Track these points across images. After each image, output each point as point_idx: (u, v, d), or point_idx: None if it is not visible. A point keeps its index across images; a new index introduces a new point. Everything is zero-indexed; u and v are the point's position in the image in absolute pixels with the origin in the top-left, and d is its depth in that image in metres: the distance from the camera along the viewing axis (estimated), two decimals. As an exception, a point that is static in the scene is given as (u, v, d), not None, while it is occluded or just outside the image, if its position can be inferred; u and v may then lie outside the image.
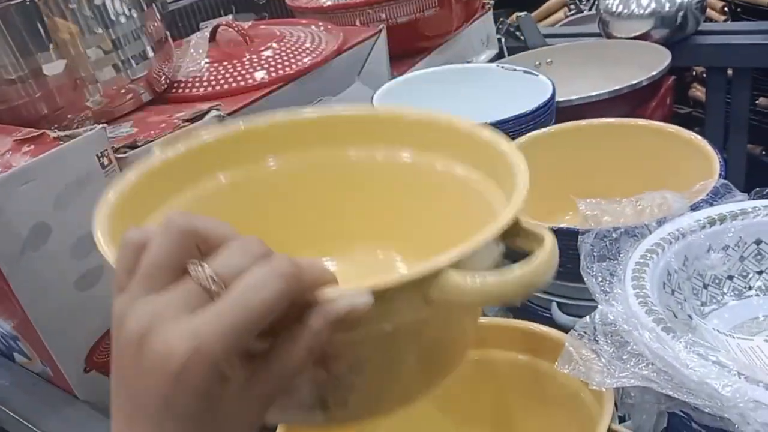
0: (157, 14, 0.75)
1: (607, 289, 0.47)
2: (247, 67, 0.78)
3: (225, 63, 0.79)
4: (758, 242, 0.51)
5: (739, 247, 0.51)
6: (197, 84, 0.77)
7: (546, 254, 0.31)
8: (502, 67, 0.82)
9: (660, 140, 0.63)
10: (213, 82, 0.77)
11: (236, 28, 0.84)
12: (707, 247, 0.51)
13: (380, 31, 0.89)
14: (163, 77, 0.76)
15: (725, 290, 0.51)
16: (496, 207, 0.39)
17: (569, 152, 0.66)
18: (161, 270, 0.25)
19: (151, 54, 0.73)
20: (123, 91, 0.71)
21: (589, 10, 1.47)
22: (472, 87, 0.82)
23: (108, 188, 0.36)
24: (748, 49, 1.01)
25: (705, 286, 0.51)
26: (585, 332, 0.44)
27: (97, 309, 0.56)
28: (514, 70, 0.81)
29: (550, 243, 0.32)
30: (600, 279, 0.48)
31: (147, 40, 0.72)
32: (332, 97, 0.86)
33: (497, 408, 0.51)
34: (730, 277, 0.51)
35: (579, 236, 0.51)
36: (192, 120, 0.64)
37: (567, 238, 0.54)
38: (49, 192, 0.51)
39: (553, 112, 0.73)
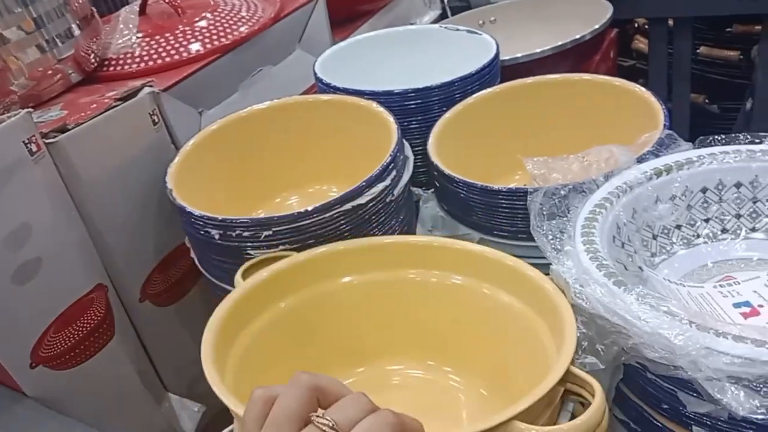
0: (81, -12, 0.71)
1: (558, 247, 0.46)
2: (180, 39, 0.75)
3: (157, 37, 0.76)
4: (704, 190, 0.51)
5: (685, 196, 0.51)
6: (129, 60, 0.74)
7: (598, 402, 0.36)
8: (446, 27, 0.80)
9: (604, 94, 0.63)
10: (146, 58, 0.73)
11: (167, 0, 0.80)
12: (655, 198, 0.51)
13: (318, -5, 0.87)
14: (92, 55, 0.72)
15: (674, 240, 0.52)
16: (539, 334, 0.44)
17: (516, 111, 0.66)
18: (290, 419, 0.30)
19: (77, 32, 0.69)
20: (50, 72, 0.67)
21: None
22: (416, 49, 0.80)
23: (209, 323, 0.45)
24: (687, -1, 1.02)
25: (654, 237, 0.51)
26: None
27: (37, 303, 0.53)
28: (458, 30, 0.79)
29: (600, 392, 0.36)
30: (551, 237, 0.47)
31: (71, 18, 0.68)
32: (272, 66, 0.83)
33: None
34: (678, 227, 0.52)
35: (528, 195, 0.51)
36: (124, 99, 0.61)
37: (516, 198, 0.54)
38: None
39: (497, 71, 0.72)
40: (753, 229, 0.51)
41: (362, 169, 0.54)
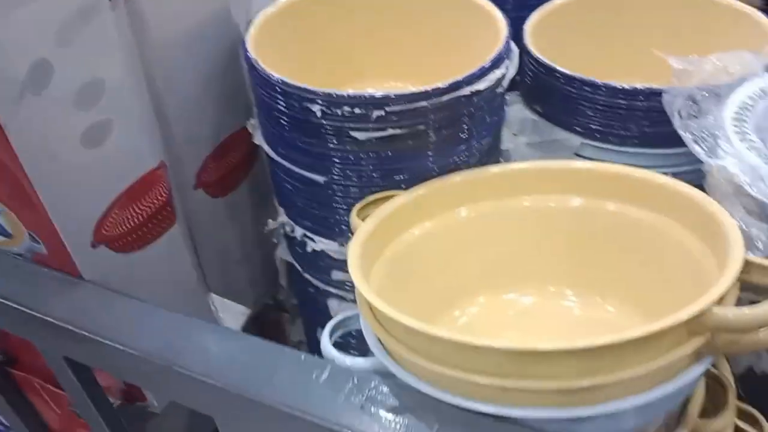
0: None
1: (710, 148, 0.44)
2: None
3: None
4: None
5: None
6: None
7: None
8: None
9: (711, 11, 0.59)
10: None
11: None
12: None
13: None
14: None
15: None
16: (686, 244, 0.42)
17: (609, 16, 0.62)
18: None
19: None
20: None
21: None
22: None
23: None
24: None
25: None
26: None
27: (104, 172, 0.46)
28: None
29: None
30: (701, 138, 0.44)
31: None
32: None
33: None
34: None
35: (666, 96, 0.47)
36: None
37: (643, 99, 0.51)
38: (50, 22, 0.40)
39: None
40: None
41: (452, 68, 0.49)
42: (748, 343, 0.34)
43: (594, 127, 0.54)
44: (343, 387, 0.38)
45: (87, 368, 0.48)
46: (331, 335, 0.43)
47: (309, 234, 0.56)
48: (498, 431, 0.34)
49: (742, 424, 0.44)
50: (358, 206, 0.48)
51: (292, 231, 0.58)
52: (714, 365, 0.44)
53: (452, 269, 0.49)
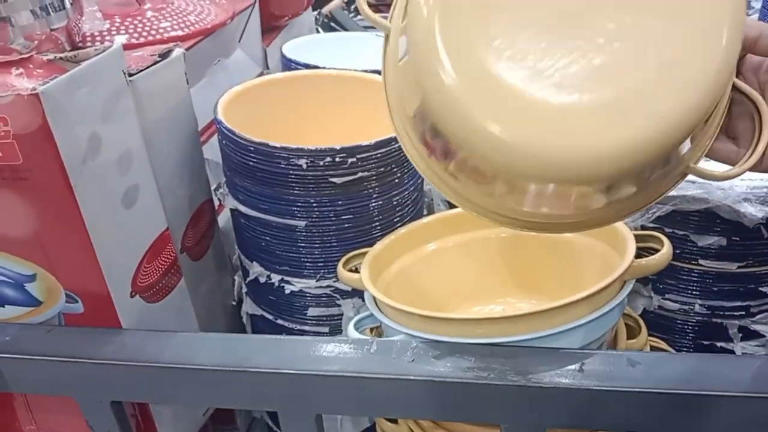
0: (71, -39, 0.70)
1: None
2: (155, 22, 0.78)
3: (130, 18, 0.77)
4: None
5: None
6: (108, 38, 0.74)
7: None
8: (377, 35, 0.95)
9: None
10: (127, 36, 0.75)
11: (125, -12, 0.82)
12: None
13: (255, 2, 0.95)
14: (77, 30, 0.71)
15: None
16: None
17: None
18: None
19: (68, 4, 0.68)
20: (45, 38, 0.66)
21: None
22: (360, 51, 0.93)
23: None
24: None
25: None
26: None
27: (136, 230, 0.53)
28: (388, 36, 0.94)
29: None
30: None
31: (64, -12, 0.68)
32: (225, 59, 0.89)
33: (530, 273, 0.64)
34: None
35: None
36: (162, 56, 0.64)
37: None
38: (98, 101, 0.49)
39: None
40: None
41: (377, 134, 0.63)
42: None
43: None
44: (390, 350, 0.48)
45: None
46: (356, 328, 0.54)
47: (287, 278, 0.66)
48: (493, 351, 0.47)
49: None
50: (343, 260, 0.61)
51: (269, 279, 0.67)
52: (625, 313, 0.61)
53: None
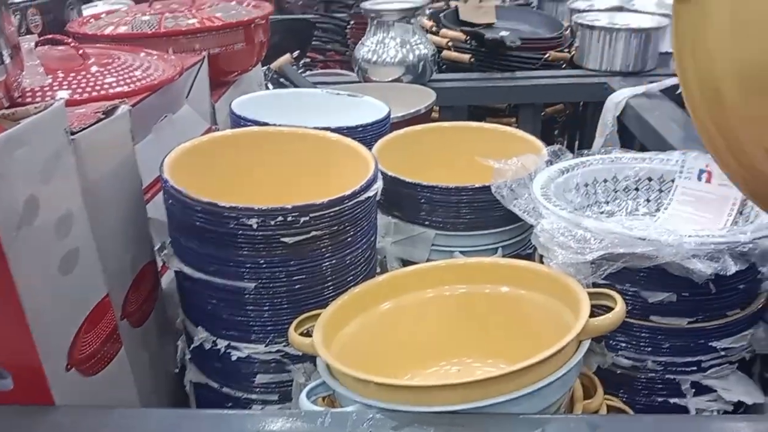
0: (12, 18, 0.68)
1: (531, 215, 0.64)
2: (99, 77, 0.76)
3: (73, 74, 0.75)
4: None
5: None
6: (49, 94, 0.72)
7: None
8: (327, 91, 0.95)
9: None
10: (70, 91, 0.72)
11: (69, 44, 0.80)
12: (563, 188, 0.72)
13: (204, 58, 0.94)
14: (16, 85, 0.68)
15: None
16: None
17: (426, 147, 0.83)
18: None
19: (8, 60, 0.66)
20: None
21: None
22: (310, 107, 0.92)
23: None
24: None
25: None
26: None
27: (73, 298, 0.50)
28: (338, 94, 0.94)
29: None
30: (524, 212, 0.65)
31: (3, 44, 0.66)
32: (172, 114, 0.87)
33: (486, 332, 0.63)
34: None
35: (494, 187, 0.67)
36: (107, 113, 0.62)
37: (475, 194, 0.70)
38: (37, 161, 0.47)
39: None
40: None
41: (325, 191, 0.61)
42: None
43: (440, 220, 0.72)
44: (345, 423, 0.46)
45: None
46: (308, 398, 0.51)
47: (234, 343, 0.63)
48: (453, 420, 0.46)
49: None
50: (295, 323, 0.59)
51: (214, 345, 0.64)
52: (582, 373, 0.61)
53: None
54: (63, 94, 0.72)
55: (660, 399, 0.66)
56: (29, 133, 0.45)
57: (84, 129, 0.56)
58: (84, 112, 0.62)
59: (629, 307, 0.60)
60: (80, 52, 0.79)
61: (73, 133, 0.55)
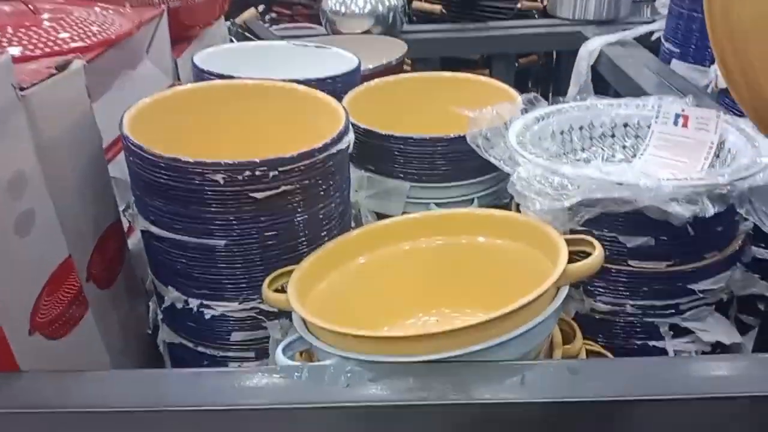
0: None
1: (508, 163, 0.62)
2: (52, 33, 0.72)
3: (23, 29, 0.71)
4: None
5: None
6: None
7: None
8: (294, 43, 0.91)
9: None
10: (26, 47, 0.68)
11: (16, -2, 0.75)
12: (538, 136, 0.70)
13: (163, 12, 0.90)
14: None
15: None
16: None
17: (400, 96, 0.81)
18: None
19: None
20: None
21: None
22: (276, 60, 0.89)
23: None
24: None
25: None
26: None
27: (33, 259, 0.48)
28: (305, 46, 0.91)
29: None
30: (500, 160, 0.63)
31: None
32: (131, 70, 0.83)
33: (463, 283, 0.61)
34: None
35: (469, 136, 0.65)
36: (60, 68, 0.58)
37: (451, 143, 0.69)
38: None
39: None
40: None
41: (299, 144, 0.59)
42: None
43: (415, 172, 0.71)
44: (323, 376, 0.45)
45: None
46: (284, 353, 0.50)
47: (206, 302, 0.61)
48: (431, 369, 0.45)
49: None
50: (267, 280, 0.57)
51: (186, 305, 0.62)
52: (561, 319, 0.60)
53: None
54: (14, 51, 0.69)
55: (639, 342, 0.66)
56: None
57: (35, 84, 0.53)
58: (36, 68, 0.59)
59: (607, 253, 0.59)
60: (31, 6, 0.75)
61: (23, 89, 0.52)
